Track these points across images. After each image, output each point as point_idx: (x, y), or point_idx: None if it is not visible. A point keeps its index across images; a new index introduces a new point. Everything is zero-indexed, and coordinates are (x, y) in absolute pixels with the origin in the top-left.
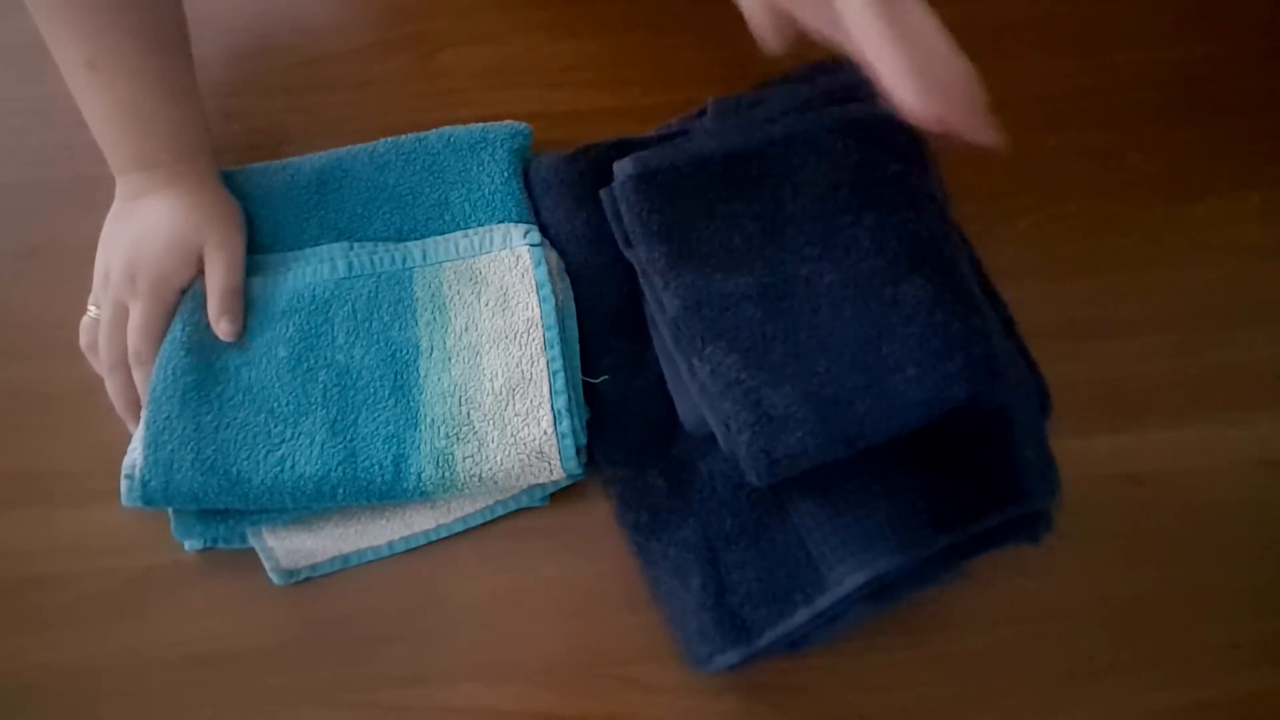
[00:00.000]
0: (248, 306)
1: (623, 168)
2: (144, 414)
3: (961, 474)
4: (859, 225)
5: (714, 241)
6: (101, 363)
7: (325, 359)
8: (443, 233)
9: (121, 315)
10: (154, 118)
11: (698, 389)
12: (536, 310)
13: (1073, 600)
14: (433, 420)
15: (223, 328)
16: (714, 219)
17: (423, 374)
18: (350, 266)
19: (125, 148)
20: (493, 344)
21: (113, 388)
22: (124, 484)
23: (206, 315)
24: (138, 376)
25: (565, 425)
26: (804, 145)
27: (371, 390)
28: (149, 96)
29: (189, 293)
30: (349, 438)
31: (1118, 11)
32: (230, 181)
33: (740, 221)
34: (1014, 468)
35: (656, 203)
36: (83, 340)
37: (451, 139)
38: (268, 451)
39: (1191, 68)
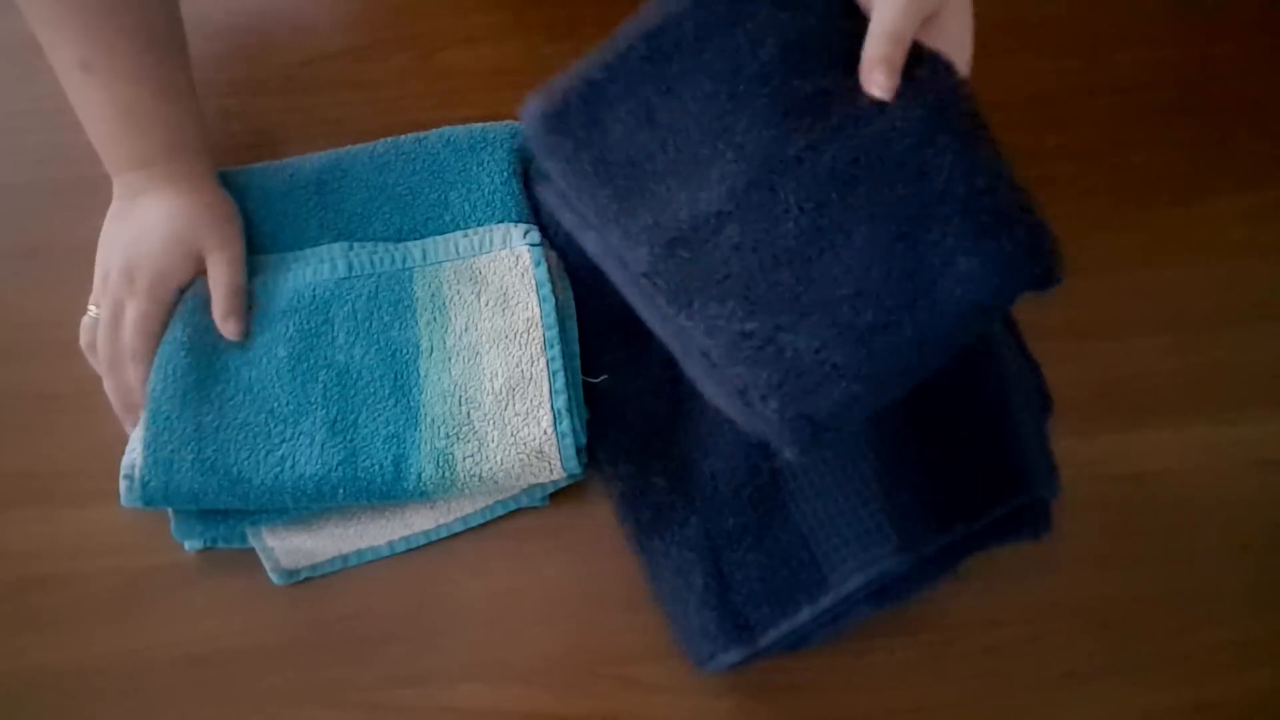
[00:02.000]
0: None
1: (528, 110)
2: (144, 414)
3: (962, 470)
4: (853, 74)
5: (666, 152)
6: (100, 362)
7: (325, 359)
8: (442, 233)
9: (120, 314)
10: (149, 117)
11: (698, 361)
12: (536, 310)
13: (1073, 600)
14: (433, 420)
15: (229, 328)
16: (656, 123)
17: (423, 374)
18: (350, 266)
19: (121, 148)
20: (493, 344)
21: (110, 387)
22: (123, 484)
23: (206, 316)
24: (135, 375)
25: (565, 425)
26: None
27: (372, 390)
28: (143, 95)
29: (188, 293)
30: (349, 437)
31: (1118, 11)
32: (230, 181)
33: (690, 109)
34: (1015, 461)
35: (581, 135)
36: (83, 340)
37: (451, 139)
38: (268, 451)
39: (1191, 68)
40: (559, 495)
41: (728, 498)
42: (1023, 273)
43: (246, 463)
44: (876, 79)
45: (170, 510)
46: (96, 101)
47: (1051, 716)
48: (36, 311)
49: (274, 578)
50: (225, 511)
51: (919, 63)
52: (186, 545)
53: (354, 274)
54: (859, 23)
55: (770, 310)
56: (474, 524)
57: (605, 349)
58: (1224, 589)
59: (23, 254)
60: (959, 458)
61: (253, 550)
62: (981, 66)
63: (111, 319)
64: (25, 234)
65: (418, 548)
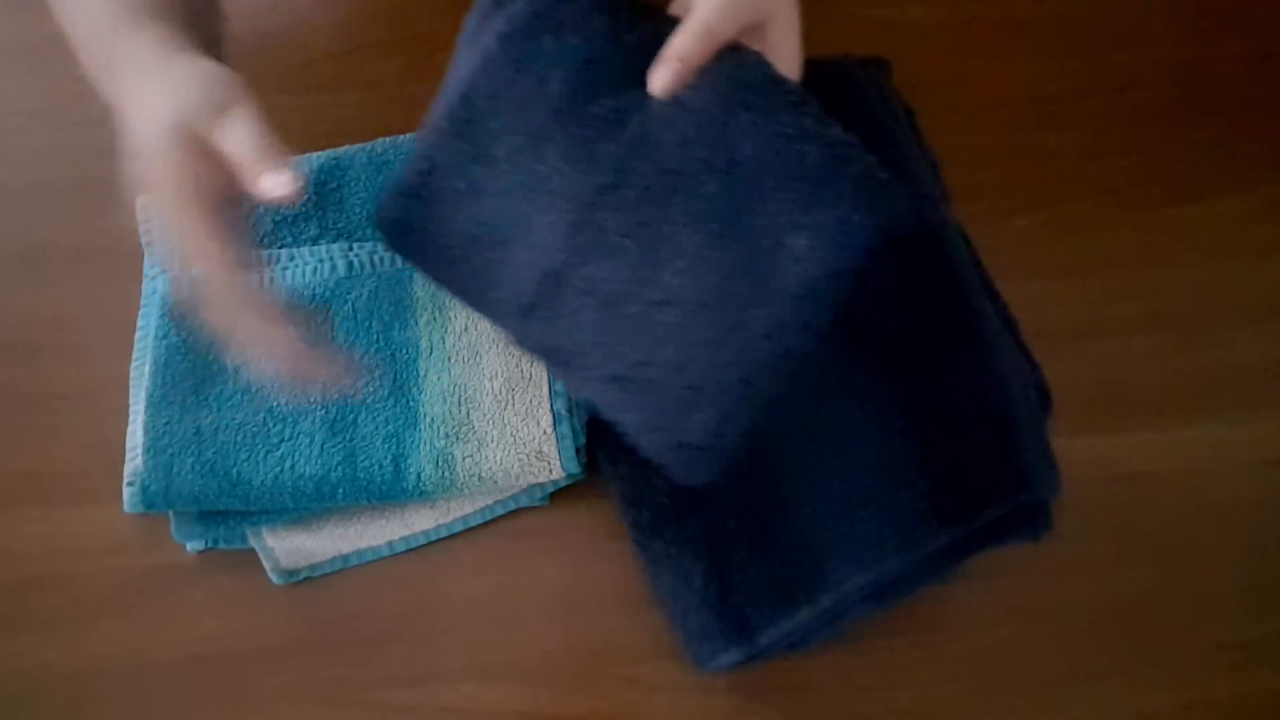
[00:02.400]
0: None
1: (376, 219)
2: (143, 419)
3: (963, 469)
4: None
5: (500, 220)
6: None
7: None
8: None
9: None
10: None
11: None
12: None
13: (1072, 600)
14: (432, 420)
15: (268, 186)
16: (484, 194)
17: (422, 374)
18: (350, 266)
19: (91, 41)
20: (492, 344)
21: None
22: (126, 491)
23: (202, 316)
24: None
25: (565, 425)
26: None
27: (371, 390)
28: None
29: (172, 299)
30: (348, 437)
31: (1118, 11)
32: None
33: (505, 169)
34: (1015, 460)
35: (424, 228)
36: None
37: None
38: (267, 452)
39: (1191, 68)
40: (559, 495)
41: (728, 498)
42: (863, 228)
43: (246, 464)
44: (657, 75)
45: (170, 512)
46: (66, 9)
47: (1051, 716)
48: (36, 311)
49: (274, 578)
50: (225, 512)
51: (719, 56)
52: (187, 546)
53: (354, 274)
54: (663, 27)
55: (626, 348)
56: (474, 524)
57: None
58: (1224, 589)
59: (23, 254)
60: (959, 458)
61: (253, 550)
62: (982, 66)
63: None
64: (25, 234)
65: (418, 548)
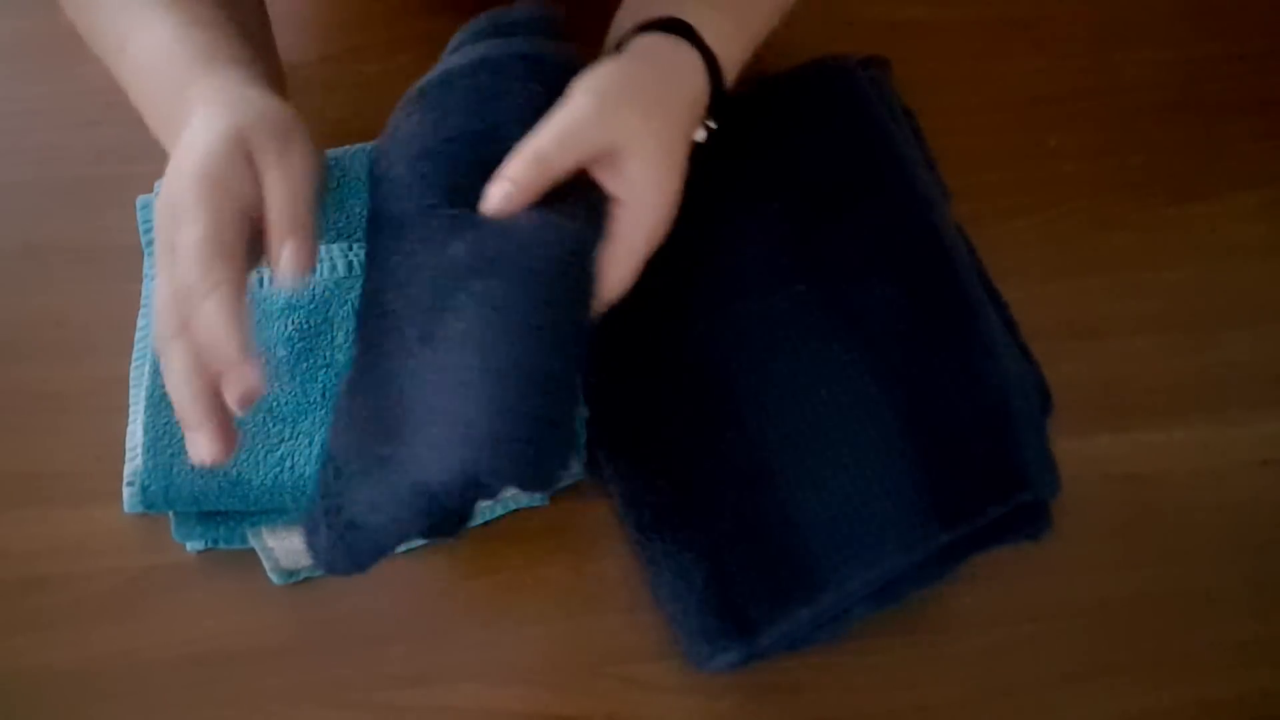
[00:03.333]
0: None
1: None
2: (142, 419)
3: (962, 470)
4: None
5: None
6: (163, 335)
7: (325, 359)
8: None
9: (172, 255)
10: (176, 52)
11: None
12: None
13: (1073, 600)
14: None
15: (285, 257)
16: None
17: None
18: (350, 266)
19: (158, 94)
20: None
21: (178, 364)
22: (126, 491)
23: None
24: (213, 313)
25: None
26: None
27: None
28: (168, 37)
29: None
30: None
31: (1118, 11)
32: None
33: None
34: (1015, 460)
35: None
36: (154, 332)
37: None
38: (267, 452)
39: (1191, 68)
40: (559, 495)
41: (728, 498)
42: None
43: (246, 463)
44: (490, 192)
45: (170, 511)
46: (132, 70)
47: (1051, 716)
48: (36, 311)
49: (274, 578)
50: (225, 512)
51: (571, 190)
52: (187, 546)
53: (354, 274)
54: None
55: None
56: (474, 524)
57: (605, 348)
58: (1224, 589)
59: (23, 254)
60: (959, 458)
61: (253, 550)
62: (982, 66)
63: (164, 270)
64: (25, 234)
65: (418, 547)
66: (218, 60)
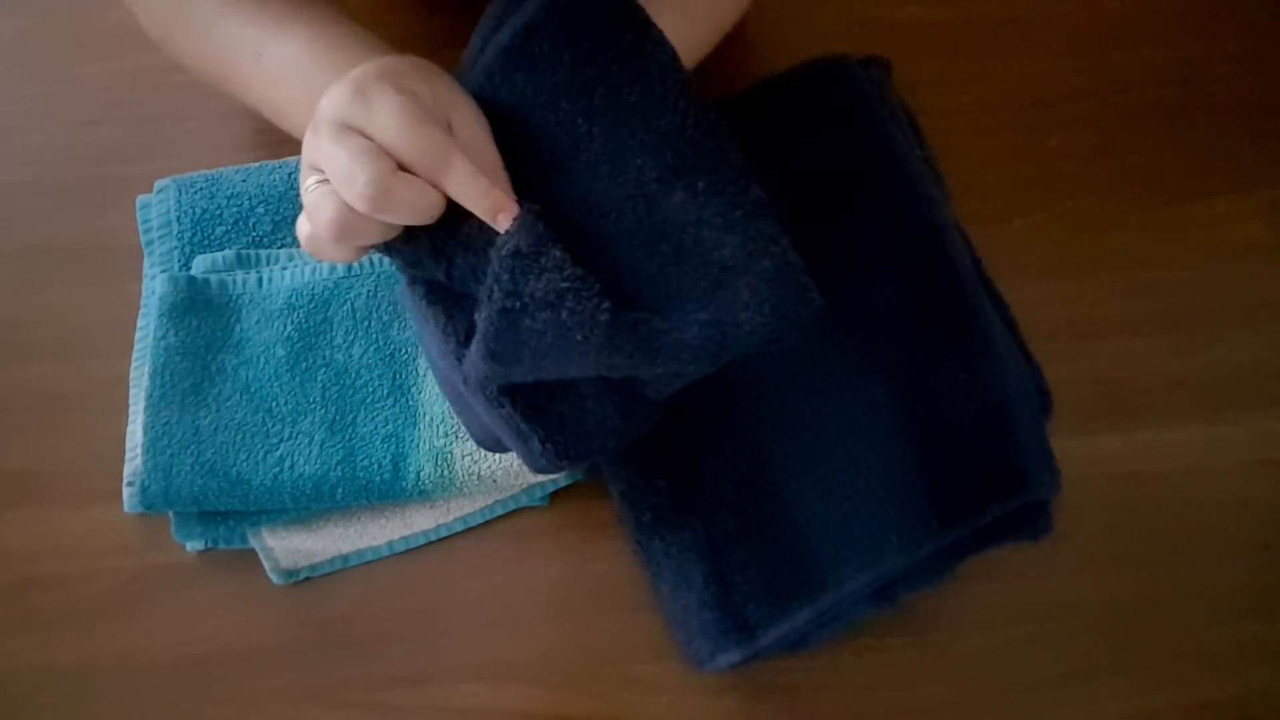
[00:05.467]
0: (245, 306)
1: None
2: (142, 419)
3: (962, 470)
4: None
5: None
6: (359, 193)
7: (324, 358)
8: None
9: (363, 133)
10: (332, 38)
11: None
12: None
13: (1073, 600)
14: (431, 419)
15: (493, 205)
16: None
17: (421, 373)
18: (350, 266)
19: (320, 80)
20: None
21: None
22: (126, 491)
23: (198, 317)
24: (459, 173)
25: None
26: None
27: (370, 389)
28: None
29: (165, 295)
30: (348, 437)
31: (1118, 11)
32: (229, 181)
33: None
34: (1015, 460)
35: None
36: (303, 231)
37: None
38: (266, 452)
39: (1191, 68)
40: (559, 495)
41: (728, 498)
42: (744, 321)
43: (245, 464)
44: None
45: (170, 511)
46: (280, 66)
47: (1051, 716)
48: (36, 311)
49: (274, 578)
50: (225, 512)
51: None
52: (187, 546)
53: (353, 273)
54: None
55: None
56: (474, 524)
57: None
58: (1224, 589)
59: (23, 254)
60: (959, 458)
61: (253, 550)
62: (982, 66)
63: (346, 140)
64: (25, 234)
65: (418, 548)
66: (377, 48)
